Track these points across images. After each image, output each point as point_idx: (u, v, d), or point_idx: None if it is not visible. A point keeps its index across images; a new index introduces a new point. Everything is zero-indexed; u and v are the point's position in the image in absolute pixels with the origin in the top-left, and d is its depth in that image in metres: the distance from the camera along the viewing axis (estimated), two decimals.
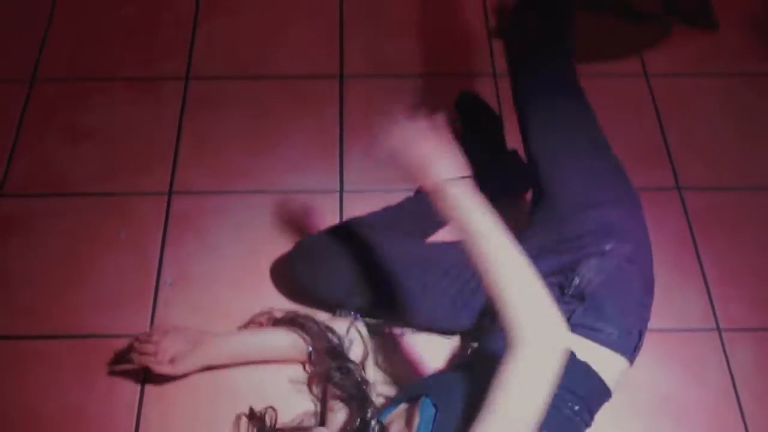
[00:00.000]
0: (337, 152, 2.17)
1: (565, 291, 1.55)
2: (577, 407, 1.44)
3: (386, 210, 1.96)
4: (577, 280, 1.55)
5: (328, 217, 2.02)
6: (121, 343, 1.79)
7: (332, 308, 1.80)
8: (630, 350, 1.55)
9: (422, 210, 1.99)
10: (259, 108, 2.27)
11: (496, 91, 2.28)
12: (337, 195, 2.09)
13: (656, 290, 1.90)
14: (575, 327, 1.49)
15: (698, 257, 2.00)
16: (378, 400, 1.65)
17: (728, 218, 2.07)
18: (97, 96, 2.28)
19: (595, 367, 1.49)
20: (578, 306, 1.53)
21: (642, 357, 1.81)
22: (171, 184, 2.10)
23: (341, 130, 2.21)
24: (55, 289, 1.92)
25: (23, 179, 2.12)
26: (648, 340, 1.83)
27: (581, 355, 1.48)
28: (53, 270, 1.96)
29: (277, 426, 1.64)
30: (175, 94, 2.29)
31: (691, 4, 2.43)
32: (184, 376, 1.74)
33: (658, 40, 2.41)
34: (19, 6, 2.50)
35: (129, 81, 2.32)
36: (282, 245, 1.93)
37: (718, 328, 1.89)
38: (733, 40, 2.44)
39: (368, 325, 1.77)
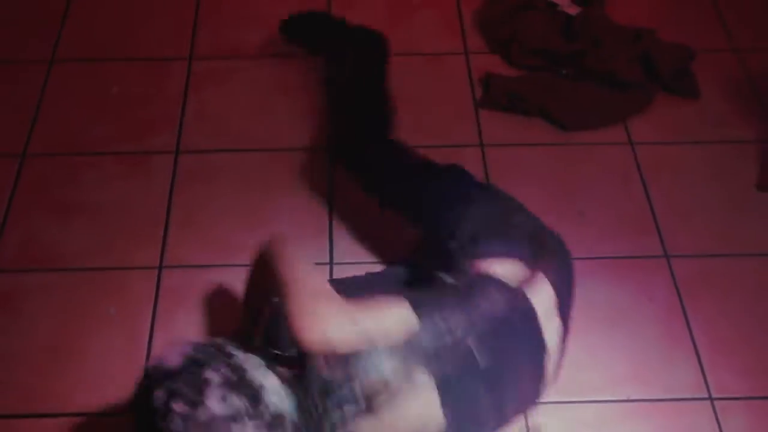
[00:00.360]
0: (327, 224, 2.18)
1: (457, 257, 1.70)
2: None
3: (367, 274, 1.97)
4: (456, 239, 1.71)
5: None
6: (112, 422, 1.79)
7: None
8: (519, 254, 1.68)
9: (402, 276, 2.00)
10: (249, 180, 2.29)
11: (483, 159, 2.31)
12: (327, 267, 2.10)
13: (647, 359, 1.93)
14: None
15: (688, 325, 2.00)
16: None
17: (717, 285, 2.08)
18: (88, 171, 2.29)
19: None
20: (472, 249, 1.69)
21: (637, 429, 1.82)
22: (161, 259, 2.10)
23: (330, 201, 2.23)
24: (46, 366, 1.91)
25: (14, 254, 2.12)
26: (641, 411, 1.85)
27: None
28: (44, 346, 1.94)
29: None
30: (166, 168, 2.30)
31: (673, 73, 2.47)
32: None
33: (642, 109, 2.45)
34: (11, 81, 2.52)
35: (119, 155, 2.33)
36: None
37: (710, 397, 1.88)
38: (715, 107, 2.48)
39: None
